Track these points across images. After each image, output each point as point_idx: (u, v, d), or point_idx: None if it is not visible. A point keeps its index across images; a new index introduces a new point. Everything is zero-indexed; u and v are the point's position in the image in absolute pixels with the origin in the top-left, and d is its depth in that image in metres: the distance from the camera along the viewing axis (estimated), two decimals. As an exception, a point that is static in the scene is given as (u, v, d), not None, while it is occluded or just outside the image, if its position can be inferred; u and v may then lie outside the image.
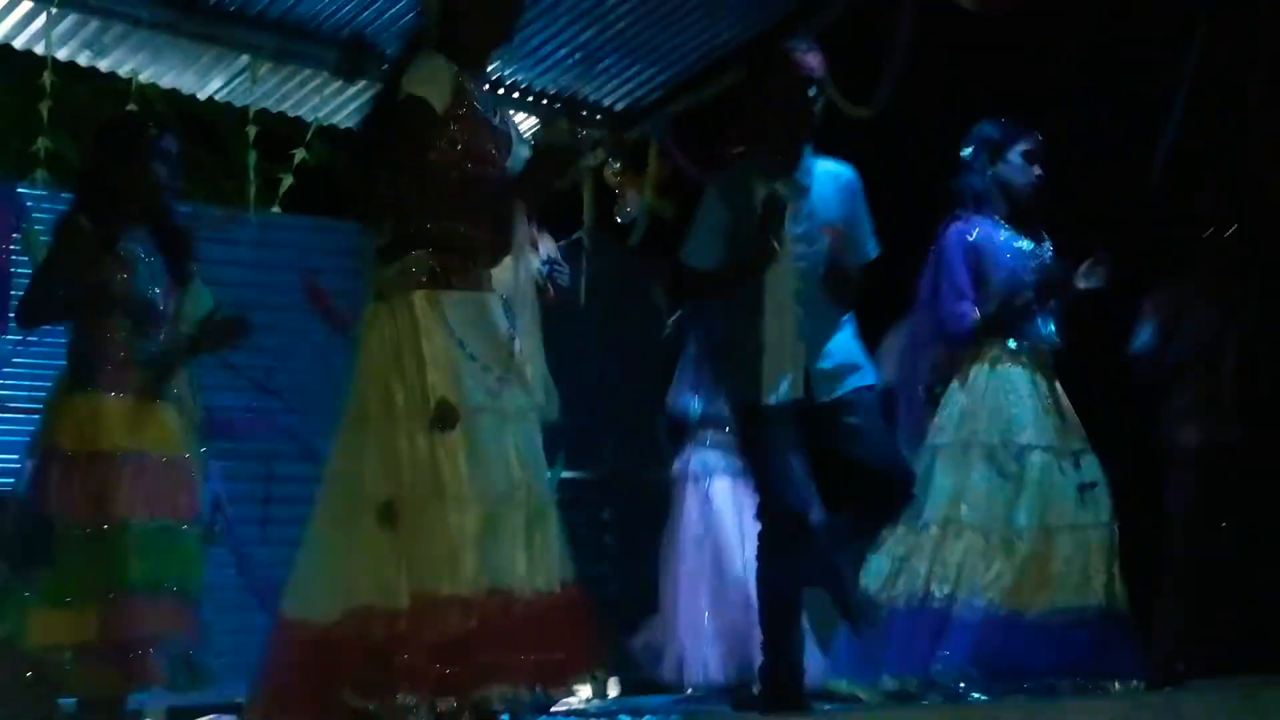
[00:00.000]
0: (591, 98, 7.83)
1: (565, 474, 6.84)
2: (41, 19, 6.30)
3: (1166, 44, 6.08)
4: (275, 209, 7.19)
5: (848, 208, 4.31)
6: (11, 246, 6.19)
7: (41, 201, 6.27)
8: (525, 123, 7.86)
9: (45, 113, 6.26)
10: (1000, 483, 4.72)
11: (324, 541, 3.27)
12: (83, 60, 6.76)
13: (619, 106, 7.92)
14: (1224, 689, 4.71)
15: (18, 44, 6.51)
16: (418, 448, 3.16)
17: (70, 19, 6.43)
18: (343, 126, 7.65)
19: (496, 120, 3.55)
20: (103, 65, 6.83)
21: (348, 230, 7.86)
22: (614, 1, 6.93)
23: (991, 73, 6.37)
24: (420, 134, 3.30)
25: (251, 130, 6.93)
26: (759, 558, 4.19)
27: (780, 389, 4.06)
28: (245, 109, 7.06)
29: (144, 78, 6.93)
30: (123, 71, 6.86)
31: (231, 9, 6.60)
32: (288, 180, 7.18)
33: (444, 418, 3.15)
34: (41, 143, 6.30)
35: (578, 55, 7.36)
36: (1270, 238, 5.69)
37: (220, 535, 4.95)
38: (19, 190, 6.42)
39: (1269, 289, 5.61)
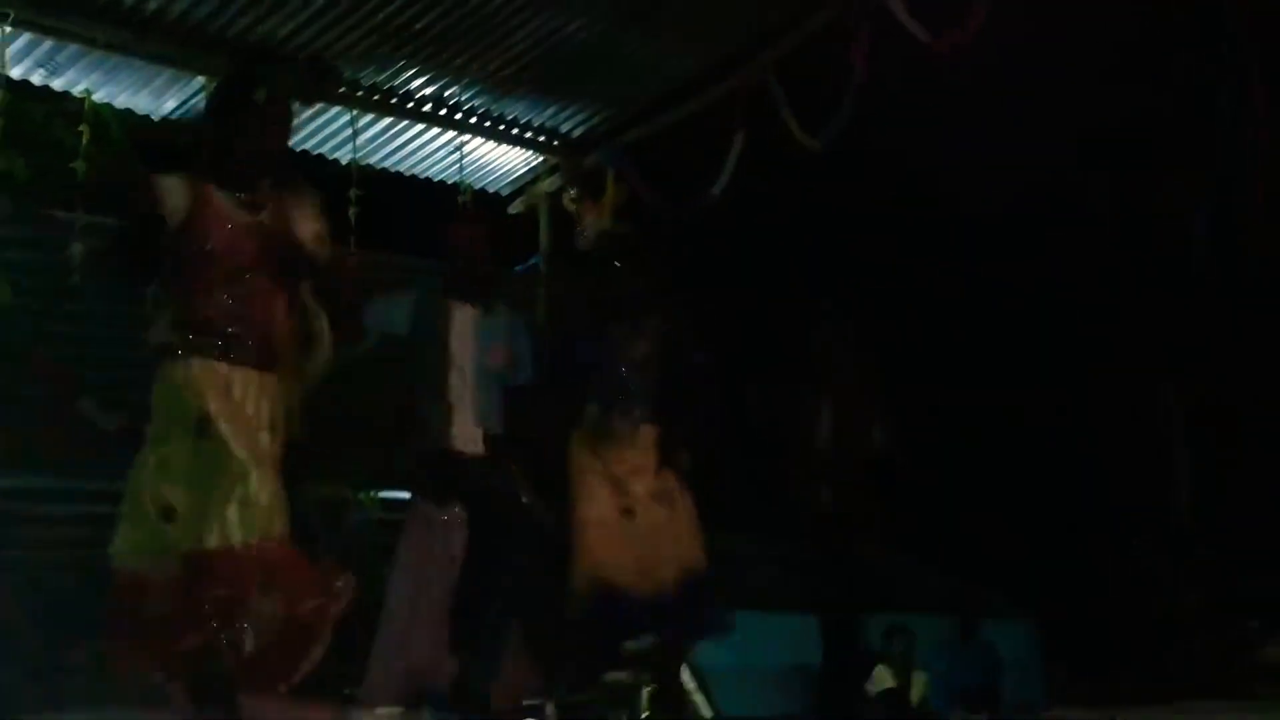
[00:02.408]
0: (547, 124, 7.85)
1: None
2: (-5, 38, 6.27)
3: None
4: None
5: (517, 339, 5.43)
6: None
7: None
8: (481, 148, 7.88)
9: (-2, 132, 6.23)
10: None
11: None
12: (36, 80, 6.73)
13: (575, 134, 7.94)
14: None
15: (-30, 63, 6.47)
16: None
17: (24, 38, 6.41)
18: (299, 149, 7.64)
19: (264, 217, 4.07)
20: (56, 85, 6.80)
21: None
22: (569, 30, 6.96)
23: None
24: (152, 238, 4.00)
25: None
26: None
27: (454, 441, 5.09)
28: (199, 130, 7.01)
29: (98, 98, 6.90)
30: (76, 91, 6.84)
31: (186, 30, 6.58)
32: (243, 203, 7.12)
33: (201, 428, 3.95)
34: (-8, 161, 6.26)
35: (533, 83, 7.39)
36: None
37: None
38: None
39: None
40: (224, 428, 3.95)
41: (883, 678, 8.55)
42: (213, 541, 3.90)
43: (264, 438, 4.04)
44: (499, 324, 5.42)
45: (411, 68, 7.16)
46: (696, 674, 6.74)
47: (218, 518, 3.91)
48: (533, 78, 7.32)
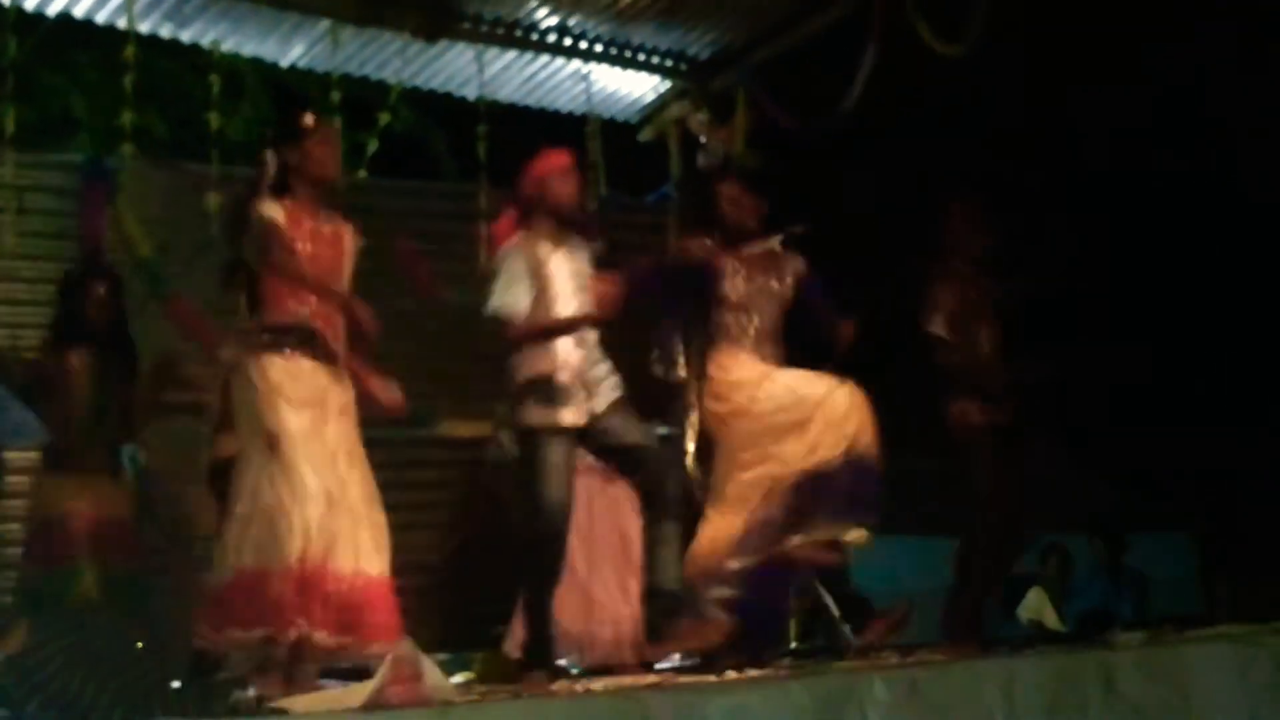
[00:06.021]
0: (674, 48, 7.72)
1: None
2: (123, -8, 6.33)
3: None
4: (362, 173, 7.17)
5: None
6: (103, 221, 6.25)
7: (130, 176, 6.33)
8: (607, 76, 7.79)
9: (129, 87, 6.28)
10: None
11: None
12: (165, 33, 6.78)
13: (702, 56, 7.80)
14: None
15: (100, 18, 6.53)
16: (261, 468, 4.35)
17: (150, -9, 6.45)
18: (425, 88, 7.62)
19: (328, 230, 4.65)
20: (185, 37, 6.84)
21: (435, 193, 7.91)
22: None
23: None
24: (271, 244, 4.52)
25: (336, 96, 6.91)
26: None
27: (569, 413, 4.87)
28: (328, 75, 7.05)
29: (226, 48, 6.94)
30: (205, 42, 6.87)
31: (309, -27, 6.59)
32: (373, 145, 7.15)
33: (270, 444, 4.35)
34: (128, 117, 6.32)
35: (658, 6, 7.26)
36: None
37: None
38: (108, 166, 6.47)
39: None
40: (293, 448, 4.33)
41: (1036, 601, 8.37)
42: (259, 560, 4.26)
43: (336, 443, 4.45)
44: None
45: (534, -1, 7.09)
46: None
47: (277, 536, 4.25)
48: (657, 1, 7.19)
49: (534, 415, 4.88)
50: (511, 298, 4.95)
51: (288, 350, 4.46)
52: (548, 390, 4.87)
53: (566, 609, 5.58)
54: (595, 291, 5.06)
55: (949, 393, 5.69)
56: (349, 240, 4.72)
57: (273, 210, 4.51)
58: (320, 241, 4.61)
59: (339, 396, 4.54)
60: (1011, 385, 5.68)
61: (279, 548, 4.23)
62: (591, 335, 5.07)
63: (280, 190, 4.60)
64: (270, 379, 4.40)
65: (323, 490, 4.31)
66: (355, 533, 4.36)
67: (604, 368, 5.06)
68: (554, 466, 4.84)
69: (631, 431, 5.03)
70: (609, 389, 5.02)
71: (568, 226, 5.11)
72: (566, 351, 4.95)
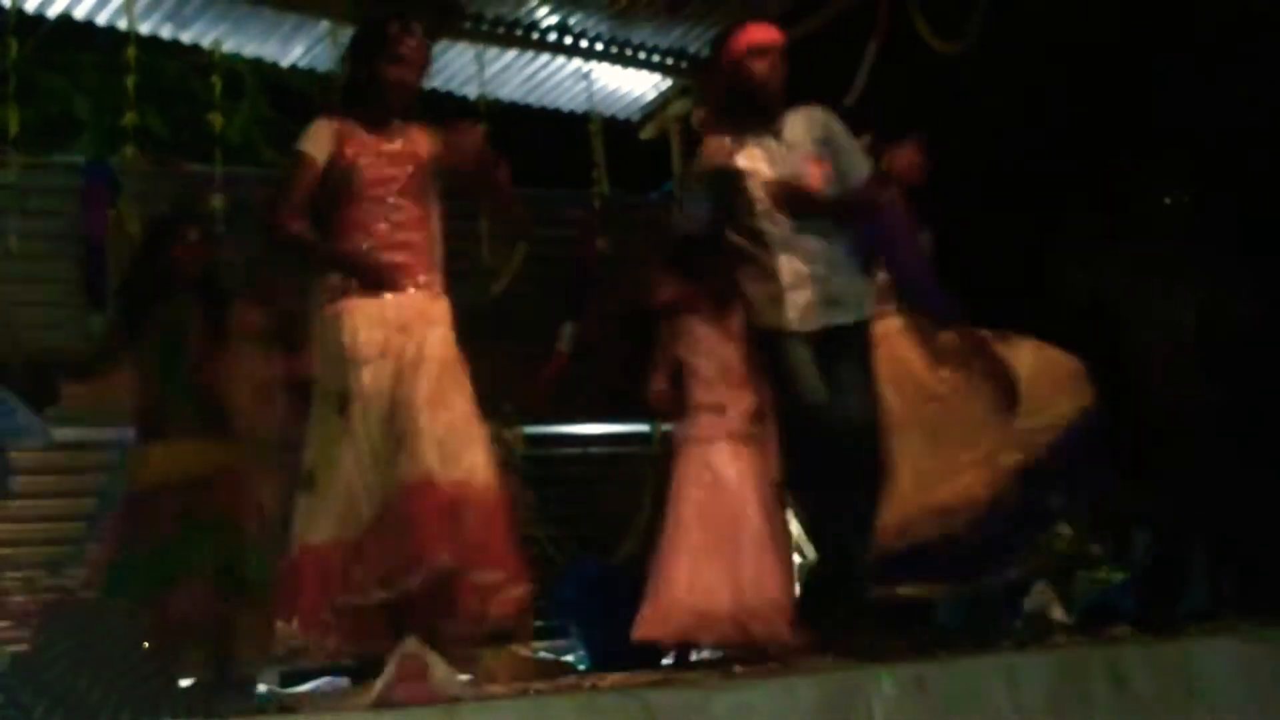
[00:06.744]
0: (675, 46, 7.72)
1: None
2: (123, -7, 6.33)
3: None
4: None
5: (821, 138, 4.58)
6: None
7: (132, 177, 6.35)
8: (609, 75, 7.79)
9: (131, 88, 6.28)
10: None
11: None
12: (166, 34, 6.78)
13: (704, 54, 7.79)
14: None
15: (101, 20, 6.53)
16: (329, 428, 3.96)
17: (151, -9, 6.45)
18: (426, 88, 7.60)
19: (398, 144, 4.18)
20: (186, 38, 6.85)
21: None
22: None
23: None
24: (301, 179, 4.07)
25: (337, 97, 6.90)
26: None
27: (798, 315, 4.31)
28: (329, 75, 7.05)
29: (227, 48, 6.94)
30: (205, 43, 6.88)
31: (309, -27, 6.59)
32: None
33: (340, 405, 3.95)
34: (130, 118, 6.32)
35: (658, 4, 7.25)
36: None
37: None
38: (110, 167, 6.48)
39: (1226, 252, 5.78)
40: (358, 411, 3.90)
41: (1044, 595, 8.35)
42: (317, 536, 3.89)
43: (414, 390, 3.91)
44: (789, 138, 4.57)
45: (535, -2, 7.09)
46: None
47: (331, 508, 3.90)
48: (657, -1, 7.20)
49: (763, 314, 4.33)
50: (683, 215, 4.62)
51: (358, 292, 4.00)
52: (774, 290, 4.33)
53: (697, 588, 5.42)
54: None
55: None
56: (425, 148, 4.23)
57: (324, 137, 4.09)
58: (388, 160, 4.14)
59: (424, 329, 4.01)
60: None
61: (349, 518, 3.88)
62: (839, 241, 4.46)
63: (350, 101, 4.21)
64: (338, 332, 3.97)
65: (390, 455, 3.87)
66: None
67: (857, 285, 4.46)
68: (794, 367, 4.26)
69: (850, 384, 4.35)
70: (859, 304, 4.45)
71: (766, 115, 4.55)
72: (800, 251, 4.38)
